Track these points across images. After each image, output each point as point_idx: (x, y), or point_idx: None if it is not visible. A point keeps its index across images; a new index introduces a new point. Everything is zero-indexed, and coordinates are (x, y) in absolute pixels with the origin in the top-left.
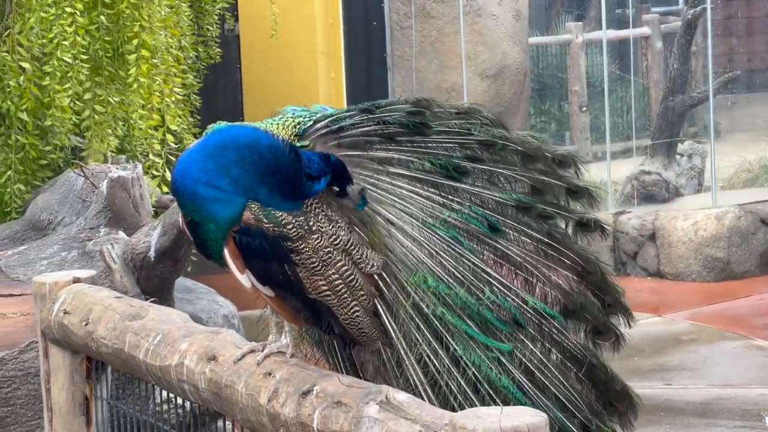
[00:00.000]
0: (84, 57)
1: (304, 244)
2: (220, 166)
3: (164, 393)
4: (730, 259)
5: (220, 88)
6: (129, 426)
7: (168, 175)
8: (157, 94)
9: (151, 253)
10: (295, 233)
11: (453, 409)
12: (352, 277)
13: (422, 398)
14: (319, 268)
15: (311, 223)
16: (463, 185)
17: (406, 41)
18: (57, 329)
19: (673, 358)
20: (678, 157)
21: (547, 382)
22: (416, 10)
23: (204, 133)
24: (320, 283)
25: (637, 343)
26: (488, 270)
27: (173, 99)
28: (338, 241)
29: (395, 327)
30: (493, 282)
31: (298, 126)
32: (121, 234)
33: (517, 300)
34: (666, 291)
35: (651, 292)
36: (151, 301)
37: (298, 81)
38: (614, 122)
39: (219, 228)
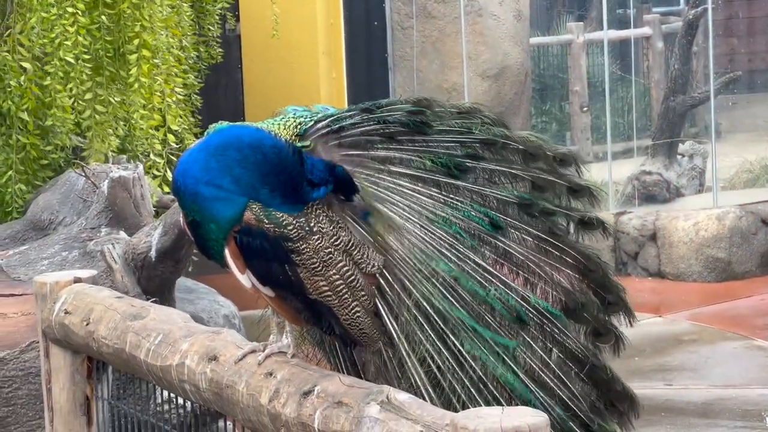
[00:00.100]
0: (86, 57)
1: (304, 245)
2: (223, 165)
3: (165, 393)
4: (731, 259)
5: (221, 88)
6: (130, 426)
7: (169, 175)
8: (158, 94)
9: (152, 253)
10: (296, 234)
11: (455, 410)
12: (353, 277)
13: (424, 398)
14: (319, 268)
15: (312, 224)
16: (464, 183)
17: (407, 41)
18: (58, 329)
19: (674, 359)
20: (679, 157)
21: (549, 381)
22: (417, 10)
23: (205, 133)
24: (321, 283)
25: (638, 344)
26: (490, 269)
27: (174, 99)
28: (339, 241)
29: (397, 327)
30: (494, 281)
31: (299, 126)
32: (122, 234)
33: (518, 299)
34: (667, 291)
35: (652, 293)
36: (152, 301)
37: (299, 81)
38: (615, 122)
39: (220, 228)
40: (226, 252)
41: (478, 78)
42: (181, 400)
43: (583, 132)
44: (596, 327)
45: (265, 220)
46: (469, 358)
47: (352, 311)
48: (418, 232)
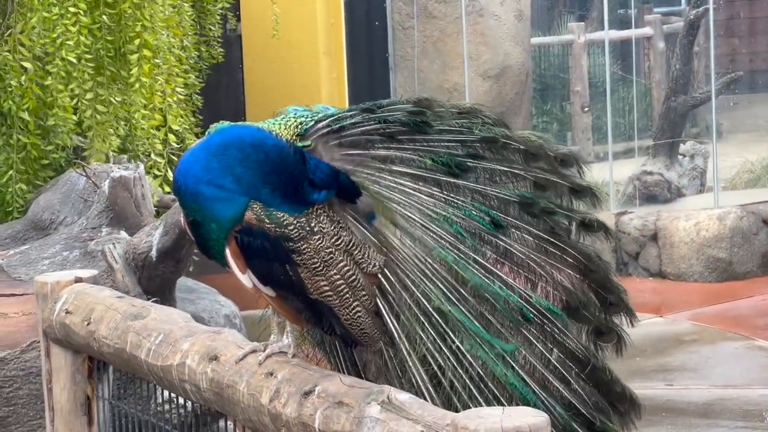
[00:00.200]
0: (88, 56)
1: (305, 245)
2: (224, 165)
3: (166, 393)
4: (732, 259)
5: (222, 88)
6: (131, 426)
7: (170, 175)
8: (159, 93)
9: (153, 253)
10: (297, 234)
11: (456, 410)
12: (353, 277)
13: (425, 398)
14: (320, 268)
15: (313, 224)
16: (464, 182)
17: (408, 41)
18: (59, 329)
19: (675, 359)
20: (680, 157)
21: (550, 381)
22: (418, 10)
23: (206, 133)
24: (322, 283)
25: (639, 344)
26: (491, 268)
27: (175, 99)
28: (340, 241)
29: (397, 326)
30: (496, 280)
31: (300, 126)
32: (123, 234)
33: (520, 298)
34: (668, 291)
35: (653, 293)
36: (152, 301)
37: (300, 81)
38: (616, 122)
39: (221, 228)
40: (227, 252)
41: (479, 78)
42: (181, 400)
43: (584, 132)
44: (598, 326)
45: (266, 220)
46: (469, 357)
47: (353, 311)
48: (419, 231)
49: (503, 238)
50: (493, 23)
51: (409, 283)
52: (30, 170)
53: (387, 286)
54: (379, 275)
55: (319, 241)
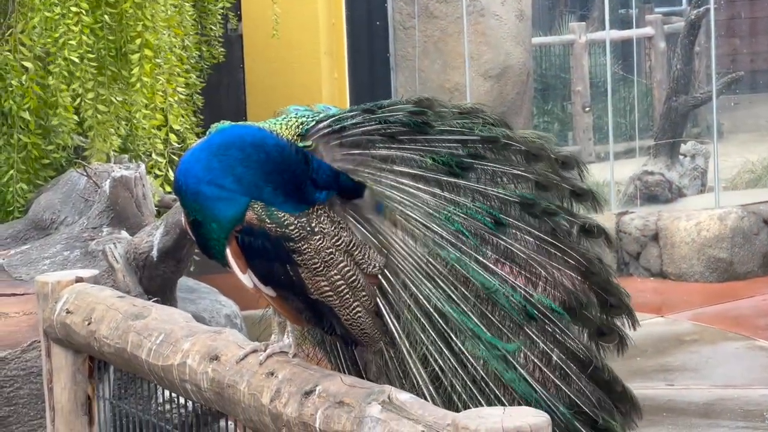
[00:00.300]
0: (90, 56)
1: (306, 245)
2: (225, 165)
3: (167, 393)
4: (733, 259)
5: (223, 88)
6: (131, 426)
7: (171, 175)
8: (160, 93)
9: (154, 253)
10: (298, 234)
11: (457, 410)
12: (354, 277)
13: (426, 398)
14: (321, 268)
15: (313, 224)
16: (465, 182)
17: (409, 41)
18: (59, 329)
19: (676, 359)
20: (681, 157)
21: (552, 380)
22: (419, 10)
23: (207, 133)
24: (322, 283)
25: (640, 344)
26: (492, 267)
27: (176, 98)
28: (340, 242)
29: (398, 326)
30: (497, 278)
31: (301, 126)
32: (124, 233)
33: (521, 296)
34: (669, 291)
35: (654, 293)
36: (153, 301)
37: (301, 81)
38: (617, 122)
39: (221, 227)
40: (228, 252)
41: (480, 78)
42: (182, 400)
43: (585, 132)
44: (599, 327)
45: (266, 220)
46: (470, 357)
47: (354, 311)
48: (420, 231)
49: (504, 238)
50: (494, 23)
51: (410, 283)
52: (31, 170)
53: (387, 286)
54: (380, 276)
55: (320, 242)
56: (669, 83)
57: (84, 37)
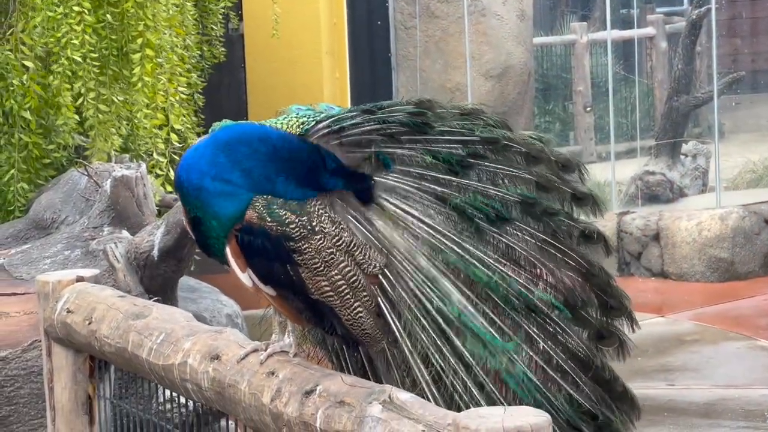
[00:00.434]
0: (93, 56)
1: (306, 245)
2: (232, 160)
3: (167, 392)
4: (734, 259)
5: (224, 88)
6: (132, 425)
7: (172, 175)
8: (162, 93)
9: (155, 252)
10: (298, 233)
11: (459, 409)
12: (354, 277)
13: (427, 397)
14: (321, 268)
15: (314, 224)
16: (466, 180)
17: (410, 41)
18: (60, 328)
19: (677, 359)
20: (682, 157)
21: (555, 377)
22: (421, 9)
23: (210, 131)
24: (323, 283)
25: (641, 344)
26: (494, 264)
27: (177, 98)
28: (341, 242)
29: (399, 325)
30: (498, 274)
31: (301, 125)
32: (125, 233)
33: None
34: (670, 291)
35: (655, 293)
36: (154, 300)
37: (303, 80)
38: (618, 122)
39: (221, 225)
40: (227, 250)
41: (482, 78)
42: (183, 400)
43: (586, 132)
44: (599, 330)
45: (267, 219)
46: (471, 356)
47: (354, 311)
48: (420, 229)
49: (506, 237)
50: (496, 23)
51: (411, 282)
52: (32, 169)
53: (387, 285)
54: (380, 275)
55: (321, 241)
56: (670, 83)
57: (87, 37)
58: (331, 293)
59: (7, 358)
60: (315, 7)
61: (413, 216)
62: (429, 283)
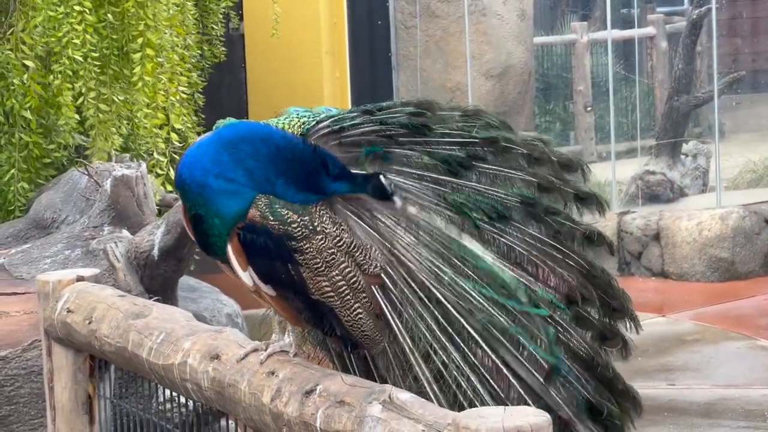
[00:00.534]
0: (94, 55)
1: (308, 244)
2: (236, 158)
3: (167, 392)
4: (735, 259)
5: (224, 87)
6: (132, 425)
7: (172, 174)
8: (162, 92)
9: (155, 252)
10: (300, 233)
11: (461, 408)
12: (355, 279)
13: (429, 396)
14: (322, 269)
15: (316, 224)
16: (466, 181)
17: (410, 40)
18: (60, 328)
19: (677, 359)
20: (683, 157)
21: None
22: (421, 9)
23: (213, 129)
24: (323, 284)
25: (641, 344)
26: (494, 263)
27: (178, 98)
28: (342, 243)
29: (400, 324)
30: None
31: (302, 126)
32: (125, 232)
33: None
34: (670, 291)
35: (655, 292)
36: (154, 300)
37: (303, 80)
38: (619, 122)
39: (224, 223)
40: (229, 248)
41: (482, 77)
42: (183, 399)
43: (586, 132)
44: (602, 331)
45: (269, 218)
46: (472, 356)
47: (354, 312)
48: (422, 228)
49: (507, 237)
50: (496, 22)
51: (411, 282)
52: (32, 169)
53: (389, 285)
54: (382, 274)
55: (322, 242)
56: (671, 83)
57: (87, 36)
58: (331, 293)
59: (7, 358)
60: (315, 6)
61: (413, 214)
62: (430, 282)
